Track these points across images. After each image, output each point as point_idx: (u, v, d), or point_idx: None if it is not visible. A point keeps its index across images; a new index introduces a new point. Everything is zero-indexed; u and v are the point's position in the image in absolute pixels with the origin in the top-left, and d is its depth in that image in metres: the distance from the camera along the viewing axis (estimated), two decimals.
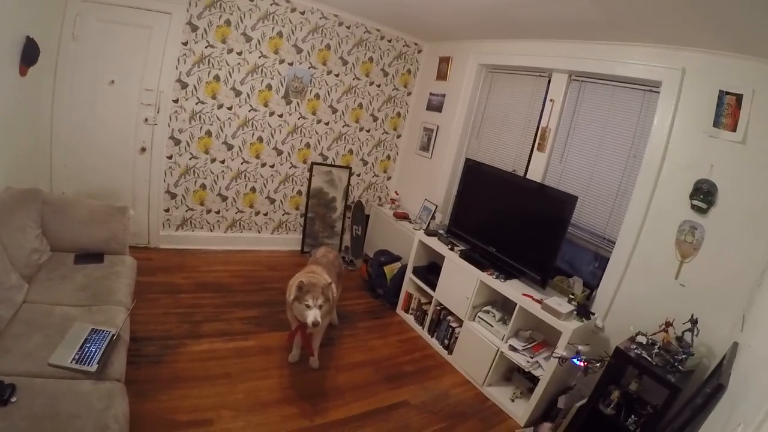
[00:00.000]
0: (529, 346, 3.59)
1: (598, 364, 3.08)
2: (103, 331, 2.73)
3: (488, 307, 4.01)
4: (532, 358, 3.51)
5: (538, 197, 3.88)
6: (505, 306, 4.01)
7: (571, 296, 3.52)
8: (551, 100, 4.18)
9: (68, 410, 2.13)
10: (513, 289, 3.70)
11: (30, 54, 3.63)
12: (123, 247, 3.84)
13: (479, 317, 3.98)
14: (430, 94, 5.80)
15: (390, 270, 5.07)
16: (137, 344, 3.50)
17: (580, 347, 3.14)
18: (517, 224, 4.02)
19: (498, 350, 3.68)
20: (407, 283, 4.83)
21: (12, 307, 2.79)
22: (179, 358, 3.56)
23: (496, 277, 3.84)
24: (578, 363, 3.14)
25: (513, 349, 3.60)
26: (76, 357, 2.48)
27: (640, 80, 3.53)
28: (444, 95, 5.56)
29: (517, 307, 3.59)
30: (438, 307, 4.41)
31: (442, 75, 5.62)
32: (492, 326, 3.84)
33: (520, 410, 3.56)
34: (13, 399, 2.13)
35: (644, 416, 2.87)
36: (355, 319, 4.66)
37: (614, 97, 3.79)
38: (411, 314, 4.81)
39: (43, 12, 3.96)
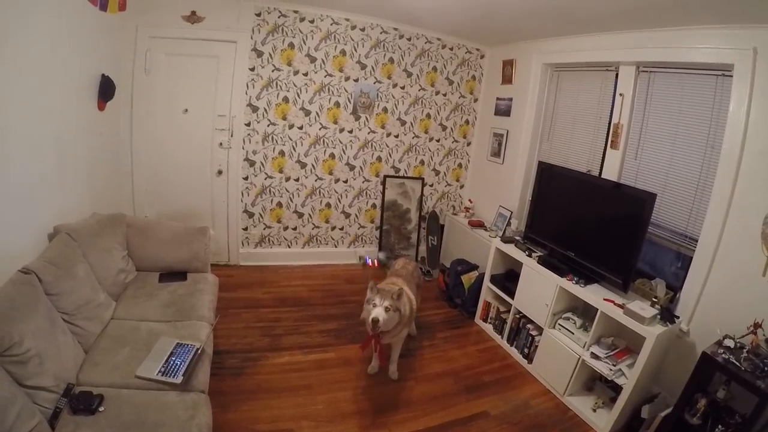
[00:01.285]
0: (611, 353, 3.45)
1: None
2: (188, 345, 2.92)
3: (568, 314, 3.90)
4: (614, 366, 3.36)
5: (615, 197, 3.73)
6: (585, 312, 3.88)
7: (654, 299, 3.34)
8: (621, 95, 4.03)
9: (154, 419, 2.29)
10: (594, 295, 3.57)
11: (106, 90, 4.02)
12: (205, 265, 4.09)
13: (559, 324, 3.87)
14: (497, 99, 5.75)
15: (467, 279, 5.06)
16: (220, 357, 3.69)
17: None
18: (596, 226, 3.89)
19: (579, 358, 3.55)
20: (485, 291, 4.79)
21: (100, 324, 3.05)
22: (260, 370, 3.73)
23: (576, 283, 3.72)
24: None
25: (595, 356, 3.47)
26: (162, 369, 2.66)
27: (710, 65, 3.34)
28: (511, 99, 5.50)
29: (599, 312, 3.46)
30: (517, 315, 4.34)
31: (507, 79, 5.57)
32: (573, 333, 3.73)
33: (602, 421, 3.42)
34: (102, 408, 2.31)
35: (732, 426, 2.69)
36: (434, 329, 4.68)
37: (685, 85, 3.61)
38: (490, 323, 4.75)
39: (115, 50, 4.36)
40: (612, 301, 3.42)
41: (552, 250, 4.20)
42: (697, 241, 3.38)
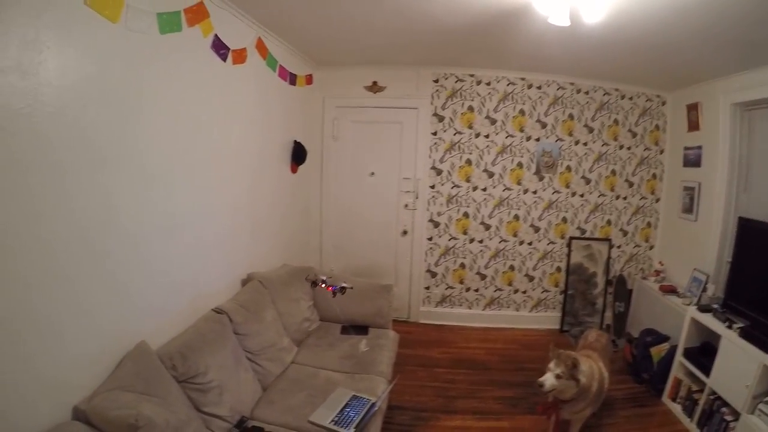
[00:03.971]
0: None
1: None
2: (363, 398, 3.05)
3: None
4: None
5: None
6: None
7: None
8: None
9: None
10: None
11: (298, 154, 4.75)
12: (387, 321, 4.32)
13: (760, 410, 3.20)
14: (685, 148, 5.19)
15: (657, 352, 4.50)
16: (391, 412, 3.79)
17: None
18: None
19: None
20: (676, 366, 4.20)
21: (281, 366, 3.40)
22: (430, 431, 3.76)
23: None
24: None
25: None
26: (335, 419, 2.81)
27: None
28: (700, 147, 4.92)
29: None
30: (711, 396, 3.70)
31: (693, 125, 5.02)
32: None
33: None
34: None
35: None
36: (616, 406, 4.23)
37: None
38: (678, 403, 4.12)
39: (306, 119, 5.12)
40: None
41: (755, 320, 3.52)
42: None
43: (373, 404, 2.97)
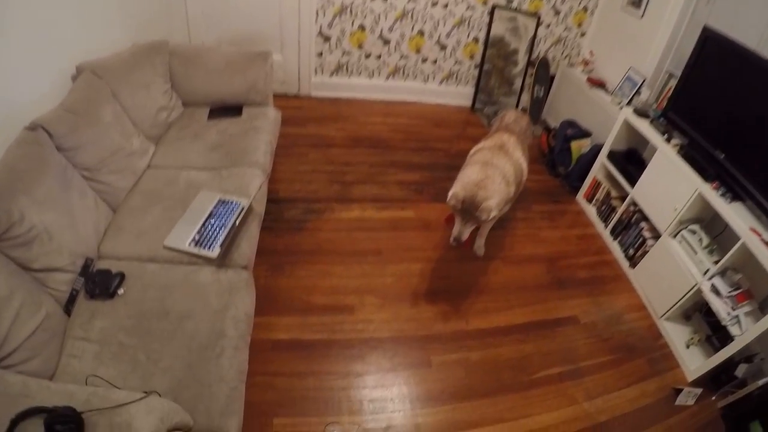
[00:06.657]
0: (734, 293, 2.84)
1: None
2: (232, 202, 2.61)
3: (695, 227, 3.25)
4: (733, 309, 2.80)
5: None
6: (711, 228, 3.25)
7: None
8: None
9: (180, 308, 2.08)
10: (739, 218, 2.85)
11: None
12: (265, 97, 3.67)
13: (683, 236, 3.26)
14: None
15: (577, 147, 4.45)
16: (278, 206, 3.45)
17: None
18: (763, 131, 2.91)
19: (696, 285, 3.01)
20: (598, 167, 4.17)
21: (133, 176, 2.78)
22: (324, 225, 3.48)
23: (722, 195, 2.99)
24: None
25: (715, 290, 2.91)
26: (196, 238, 2.39)
27: None
28: None
29: (740, 243, 2.77)
30: (631, 208, 3.75)
31: None
32: (695, 253, 3.12)
33: (693, 362, 3.01)
34: (121, 291, 2.10)
35: None
36: (529, 198, 4.25)
37: None
38: (594, 206, 4.24)
39: None
40: (759, 234, 2.72)
41: (695, 142, 3.32)
42: None
43: (244, 209, 2.54)
